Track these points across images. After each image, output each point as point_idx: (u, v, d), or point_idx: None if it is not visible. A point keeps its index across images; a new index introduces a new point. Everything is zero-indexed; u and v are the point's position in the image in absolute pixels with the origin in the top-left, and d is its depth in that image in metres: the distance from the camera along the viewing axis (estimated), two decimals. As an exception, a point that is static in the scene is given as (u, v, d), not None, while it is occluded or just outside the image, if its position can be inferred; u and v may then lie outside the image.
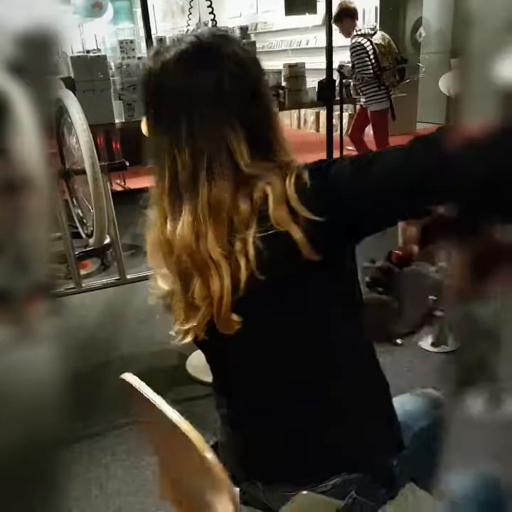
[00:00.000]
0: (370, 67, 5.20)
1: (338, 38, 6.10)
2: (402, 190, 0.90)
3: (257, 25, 10.49)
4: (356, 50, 5.23)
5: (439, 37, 8.65)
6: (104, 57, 5.24)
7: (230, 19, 9.84)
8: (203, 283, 1.03)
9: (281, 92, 5.93)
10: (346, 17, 5.26)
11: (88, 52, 7.06)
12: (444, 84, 5.16)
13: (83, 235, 3.44)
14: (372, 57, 5.21)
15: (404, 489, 1.18)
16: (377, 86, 5.29)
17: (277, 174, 1.01)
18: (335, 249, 1.02)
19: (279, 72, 6.07)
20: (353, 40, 5.25)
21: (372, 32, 5.29)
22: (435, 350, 3.00)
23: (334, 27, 5.14)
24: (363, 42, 5.20)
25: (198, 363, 2.83)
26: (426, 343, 3.05)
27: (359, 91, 5.53)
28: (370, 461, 1.13)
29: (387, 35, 5.36)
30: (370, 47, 5.18)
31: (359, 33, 5.25)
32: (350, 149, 6.00)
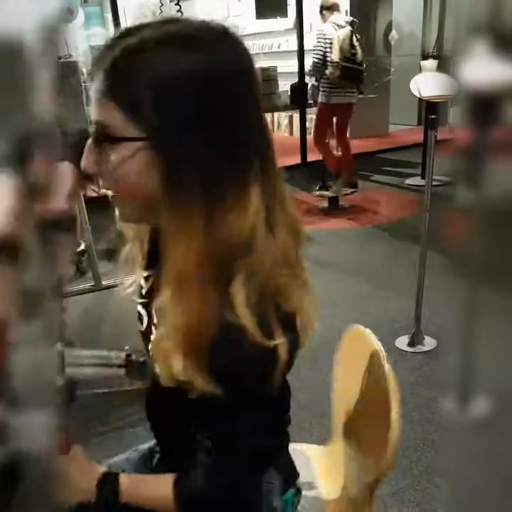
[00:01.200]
0: (317, 56, 5.24)
1: (310, 42, 6.14)
2: None
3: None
4: (317, 37, 5.30)
5: (409, 39, 8.75)
6: (76, 63, 5.21)
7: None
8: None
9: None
10: (325, 10, 5.36)
11: (60, 57, 7.01)
12: (415, 86, 5.22)
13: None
14: (324, 47, 5.24)
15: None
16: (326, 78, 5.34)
17: None
18: None
19: (251, 75, 6.09)
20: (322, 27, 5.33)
21: (343, 25, 5.27)
22: (411, 350, 3.03)
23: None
24: (325, 31, 5.25)
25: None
26: (402, 342, 3.07)
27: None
28: None
29: (347, 33, 5.24)
30: (328, 38, 5.22)
31: (334, 22, 5.29)
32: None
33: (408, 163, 7.09)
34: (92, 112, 0.81)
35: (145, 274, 1.02)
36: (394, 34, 8.44)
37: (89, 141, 0.83)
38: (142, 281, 1.03)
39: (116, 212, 0.94)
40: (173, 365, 0.82)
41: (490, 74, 0.31)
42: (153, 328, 1.00)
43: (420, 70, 6.00)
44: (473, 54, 0.32)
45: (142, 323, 1.05)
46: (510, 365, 0.38)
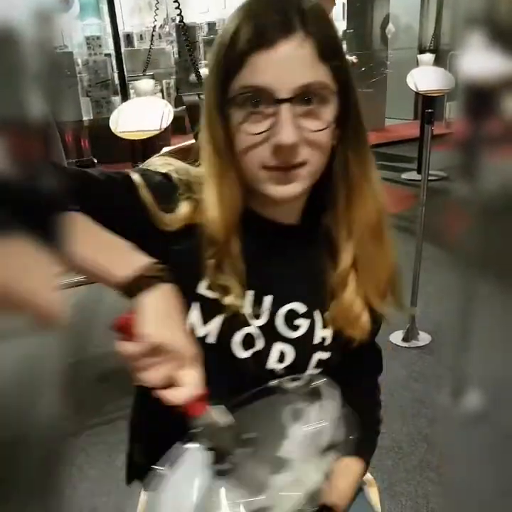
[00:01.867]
0: None
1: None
2: None
3: (225, 21, 10.43)
4: None
5: (406, 33, 8.73)
6: (71, 53, 5.18)
7: (197, 14, 9.79)
8: None
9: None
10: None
11: (55, 48, 6.97)
12: (412, 80, 5.21)
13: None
14: None
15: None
16: None
17: None
18: None
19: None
20: None
21: None
22: (406, 345, 3.03)
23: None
24: None
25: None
26: (397, 338, 3.08)
27: None
28: None
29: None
30: None
31: None
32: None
33: (404, 157, 7.08)
34: (301, 75, 0.81)
35: (250, 293, 0.92)
36: (391, 27, 8.41)
37: (288, 110, 0.80)
38: (247, 302, 0.92)
39: (292, 188, 0.86)
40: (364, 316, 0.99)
41: (487, 67, 0.30)
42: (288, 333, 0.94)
43: (417, 63, 5.98)
44: (470, 47, 0.31)
45: (253, 345, 0.93)
46: (504, 359, 0.38)
